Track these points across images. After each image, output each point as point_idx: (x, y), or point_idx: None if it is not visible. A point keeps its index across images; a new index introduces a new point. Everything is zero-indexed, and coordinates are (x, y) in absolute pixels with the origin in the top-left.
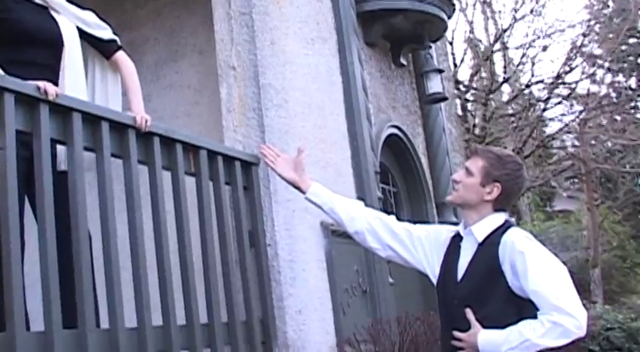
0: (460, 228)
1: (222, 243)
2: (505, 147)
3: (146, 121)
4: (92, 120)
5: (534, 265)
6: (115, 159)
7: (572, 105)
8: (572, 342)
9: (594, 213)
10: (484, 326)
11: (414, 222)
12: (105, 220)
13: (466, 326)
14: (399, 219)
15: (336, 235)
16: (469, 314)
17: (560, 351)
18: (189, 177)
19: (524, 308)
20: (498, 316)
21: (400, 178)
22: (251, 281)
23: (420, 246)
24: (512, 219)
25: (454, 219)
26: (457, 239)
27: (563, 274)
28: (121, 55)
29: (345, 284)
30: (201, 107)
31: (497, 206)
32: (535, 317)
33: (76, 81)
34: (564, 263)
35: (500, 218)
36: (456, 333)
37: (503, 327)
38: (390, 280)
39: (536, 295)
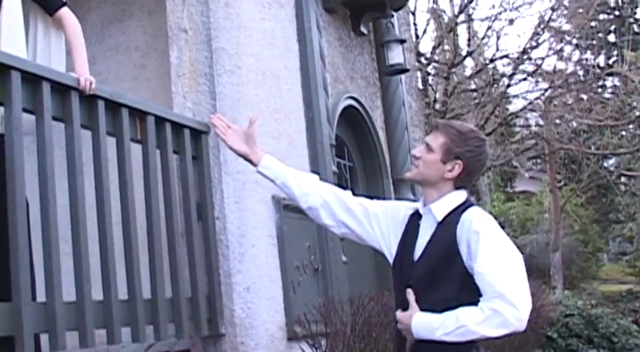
0: (419, 206)
1: (169, 214)
2: None
3: (90, 83)
4: (32, 80)
5: (486, 247)
6: (56, 123)
7: (537, 82)
8: (510, 335)
9: (557, 195)
10: (437, 310)
11: (370, 198)
12: (44, 187)
13: (420, 309)
14: (354, 195)
15: (288, 210)
16: (410, 295)
17: (515, 338)
18: (135, 145)
19: (479, 294)
20: (452, 300)
21: (356, 152)
22: (198, 255)
23: (377, 223)
24: (473, 198)
25: (411, 197)
26: (416, 217)
27: (516, 261)
28: (65, 12)
29: (297, 261)
30: (148, 71)
31: (459, 184)
32: None
33: (14, 37)
34: (524, 246)
35: (460, 196)
36: (398, 313)
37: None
38: (344, 258)
39: (482, 278)
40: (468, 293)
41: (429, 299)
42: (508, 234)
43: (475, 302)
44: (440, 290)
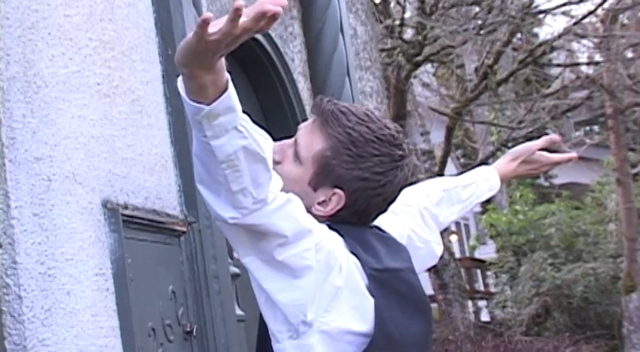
0: None
1: None
2: (460, 66)
3: None
4: None
5: None
6: None
7: None
8: None
9: (630, 189)
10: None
11: None
12: None
13: None
14: None
15: (134, 226)
16: None
17: None
18: None
19: None
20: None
21: (258, 120)
22: None
23: None
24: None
25: None
26: None
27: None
28: None
29: (151, 319)
30: None
31: (339, 223)
32: None
33: None
34: (573, 283)
35: None
36: None
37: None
38: (239, 312)
39: None
40: None
41: None
42: (546, 263)
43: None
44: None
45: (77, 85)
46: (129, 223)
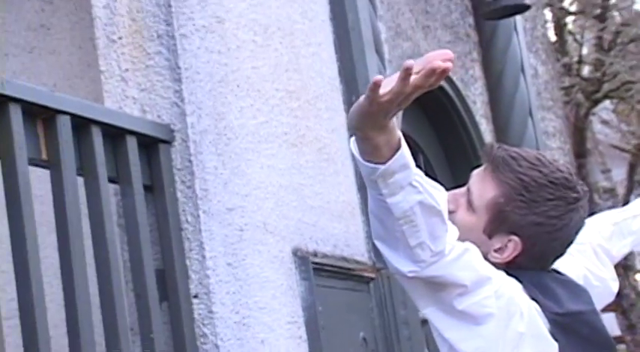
0: None
1: (106, 293)
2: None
3: None
4: None
5: None
6: None
7: None
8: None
9: None
10: None
11: None
12: None
13: None
14: None
15: (325, 273)
16: None
17: None
18: (37, 170)
19: None
20: None
21: (441, 164)
22: None
23: None
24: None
25: None
26: None
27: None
28: None
29: None
30: (55, 35)
31: (519, 267)
32: None
33: None
34: None
35: None
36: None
37: None
38: None
39: None
40: None
41: None
42: None
43: None
44: None
45: (265, 136)
46: (319, 271)
